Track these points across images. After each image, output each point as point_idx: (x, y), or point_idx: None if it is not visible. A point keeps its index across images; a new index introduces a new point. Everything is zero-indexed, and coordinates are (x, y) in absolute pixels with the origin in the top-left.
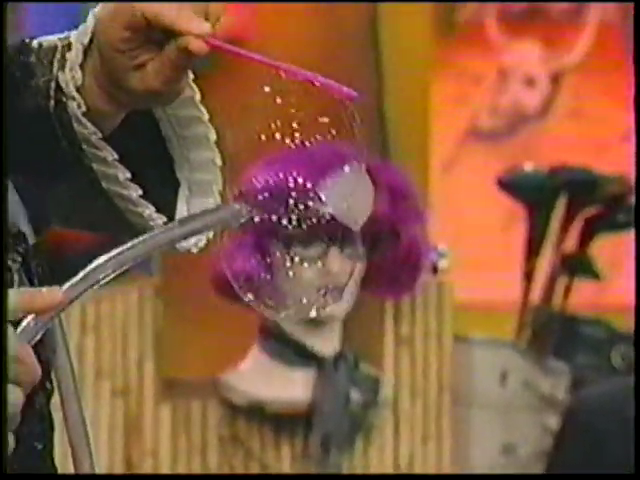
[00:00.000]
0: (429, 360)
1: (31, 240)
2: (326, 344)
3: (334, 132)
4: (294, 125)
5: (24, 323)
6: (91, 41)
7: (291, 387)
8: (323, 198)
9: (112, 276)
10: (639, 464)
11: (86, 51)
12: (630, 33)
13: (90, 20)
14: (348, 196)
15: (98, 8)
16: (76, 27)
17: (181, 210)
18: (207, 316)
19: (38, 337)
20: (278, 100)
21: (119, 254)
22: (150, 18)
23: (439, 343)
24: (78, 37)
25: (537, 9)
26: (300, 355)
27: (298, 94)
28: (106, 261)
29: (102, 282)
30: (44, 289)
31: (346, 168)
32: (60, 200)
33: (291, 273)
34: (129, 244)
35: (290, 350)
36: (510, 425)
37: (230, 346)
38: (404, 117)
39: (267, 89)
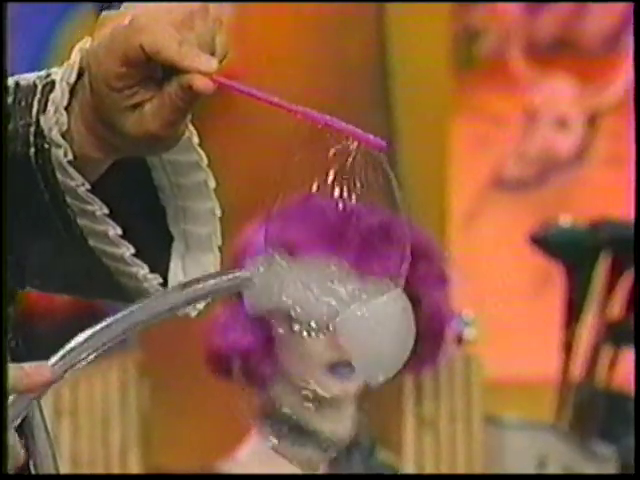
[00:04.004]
0: (456, 445)
1: None
2: (337, 429)
3: (365, 190)
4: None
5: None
6: (78, 78)
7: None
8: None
9: (104, 348)
10: (639, 464)
11: (72, 91)
12: None
13: (76, 55)
14: (372, 333)
15: (86, 41)
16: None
17: (175, 268)
18: (199, 397)
19: (20, 419)
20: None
21: (111, 324)
22: (150, 52)
23: (467, 425)
24: (63, 75)
25: (569, 40)
26: (307, 442)
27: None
28: (95, 332)
29: (93, 356)
30: (27, 366)
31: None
32: (38, 259)
33: (296, 346)
34: (123, 312)
35: (295, 436)
36: None
37: (226, 431)
38: (418, 164)
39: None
